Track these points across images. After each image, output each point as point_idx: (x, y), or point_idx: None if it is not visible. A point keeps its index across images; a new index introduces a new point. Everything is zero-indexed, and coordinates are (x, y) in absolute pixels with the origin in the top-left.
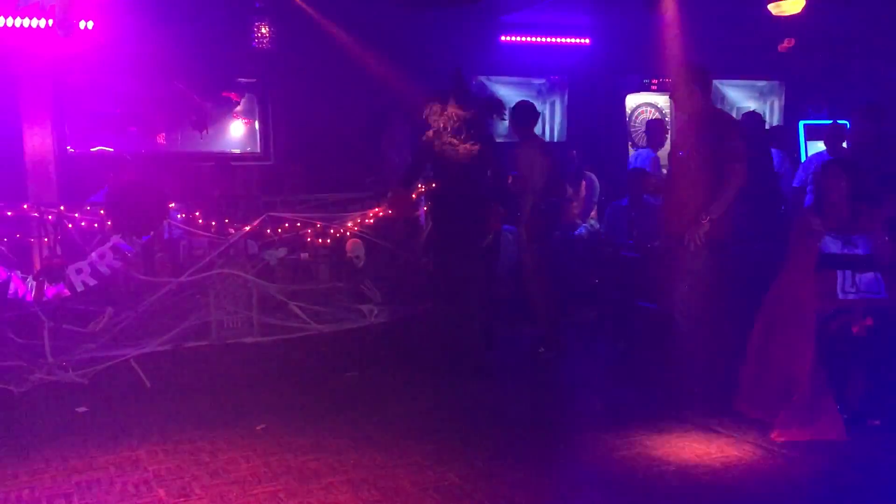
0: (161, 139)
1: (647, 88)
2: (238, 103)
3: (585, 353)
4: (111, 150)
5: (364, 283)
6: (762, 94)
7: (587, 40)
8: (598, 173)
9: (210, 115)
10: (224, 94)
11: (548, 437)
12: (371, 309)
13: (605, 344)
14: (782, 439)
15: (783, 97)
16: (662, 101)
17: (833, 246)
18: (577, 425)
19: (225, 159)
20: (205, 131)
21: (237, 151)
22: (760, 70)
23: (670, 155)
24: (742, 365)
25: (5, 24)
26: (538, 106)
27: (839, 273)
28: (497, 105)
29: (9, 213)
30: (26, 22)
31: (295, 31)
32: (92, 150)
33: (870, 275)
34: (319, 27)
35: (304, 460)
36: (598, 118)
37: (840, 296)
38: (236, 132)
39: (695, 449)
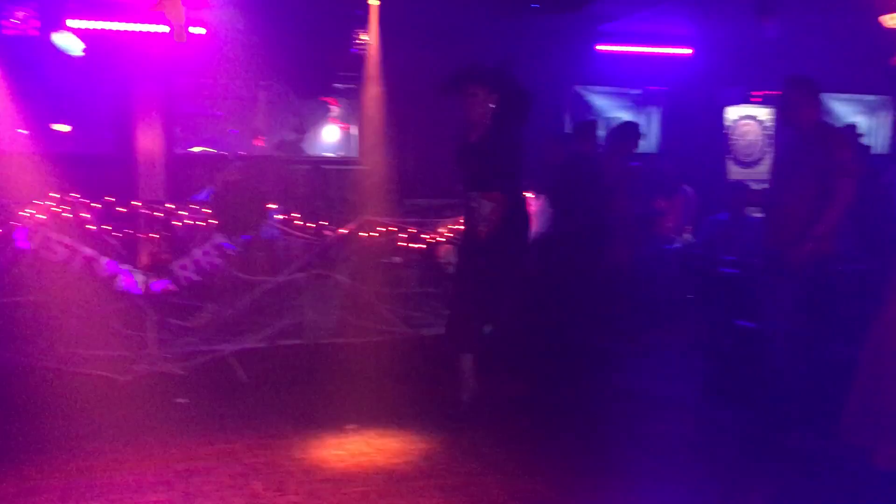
0: (260, 141)
1: (749, 101)
2: (336, 108)
3: (679, 370)
4: (213, 150)
5: None
6: (871, 109)
7: (689, 50)
8: (694, 186)
9: (309, 120)
10: (322, 98)
11: (643, 455)
12: None
13: (699, 362)
14: (888, 468)
15: (894, 112)
16: (763, 113)
17: None
18: (671, 444)
19: (321, 162)
20: (304, 135)
21: (332, 155)
22: (870, 84)
23: (773, 169)
24: (849, 389)
25: (123, 29)
26: (633, 117)
27: None
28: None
29: (121, 210)
30: (142, 27)
31: (394, 39)
32: (192, 150)
33: None
34: (417, 35)
35: (394, 462)
36: (696, 130)
37: None
38: (331, 136)
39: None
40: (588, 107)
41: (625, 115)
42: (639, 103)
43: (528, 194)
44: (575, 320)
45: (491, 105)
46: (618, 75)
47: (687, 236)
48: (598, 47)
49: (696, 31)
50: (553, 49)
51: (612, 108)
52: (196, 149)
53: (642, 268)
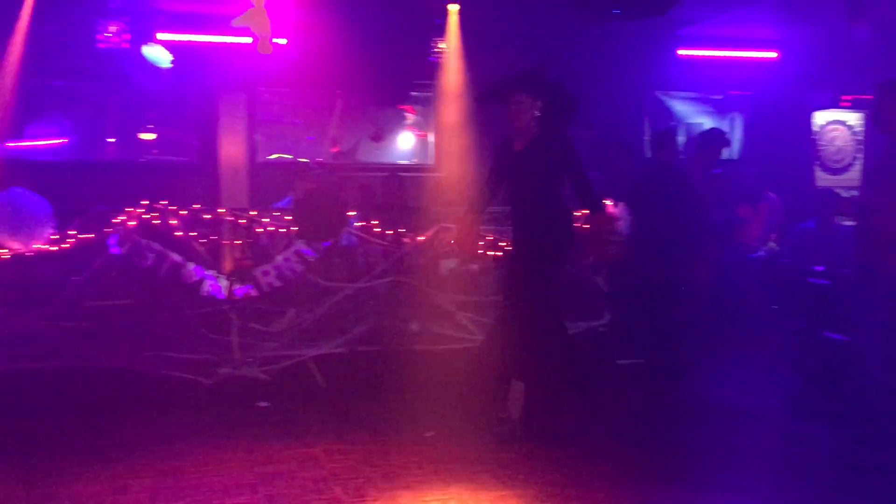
0: (335, 149)
1: (838, 105)
2: (412, 116)
3: (765, 383)
4: (293, 158)
5: None
6: None
7: (774, 54)
8: (779, 193)
9: (386, 127)
10: (400, 107)
11: (727, 469)
12: None
13: (786, 375)
14: None
15: None
16: (854, 118)
17: None
18: (756, 459)
19: (398, 170)
20: (381, 142)
21: (409, 162)
22: None
23: (864, 176)
24: None
25: (209, 41)
26: (715, 123)
27: None
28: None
29: (206, 217)
30: (228, 39)
31: (472, 46)
32: (269, 157)
33: None
34: (495, 41)
35: (473, 471)
36: (781, 136)
37: None
38: (406, 144)
39: None
40: (669, 112)
41: (706, 121)
42: (721, 108)
43: (608, 202)
44: (658, 330)
45: (536, 112)
46: (699, 80)
47: (772, 245)
48: (679, 52)
49: (781, 33)
50: (633, 54)
51: (693, 114)
52: (273, 156)
53: (726, 277)
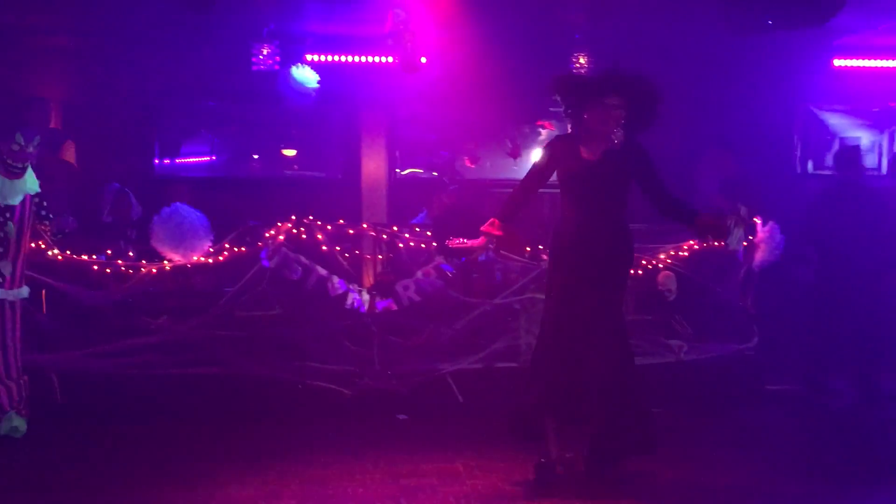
0: (469, 164)
1: None
2: (549, 131)
3: None
4: (429, 173)
5: (674, 318)
6: None
7: None
8: None
9: (523, 143)
10: (538, 122)
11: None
12: (680, 345)
13: None
14: None
15: None
16: None
17: None
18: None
19: None
20: (518, 158)
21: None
22: None
23: None
24: None
25: (352, 61)
26: (873, 137)
27: None
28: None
29: (350, 232)
30: (371, 58)
31: (613, 60)
32: (407, 172)
33: None
34: (642, 53)
35: (616, 495)
36: None
37: None
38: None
39: None
40: (822, 126)
41: (863, 136)
42: (879, 122)
43: (756, 220)
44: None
45: (622, 119)
46: (856, 92)
47: None
48: (836, 62)
49: None
50: (784, 65)
51: (848, 128)
52: (406, 171)
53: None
